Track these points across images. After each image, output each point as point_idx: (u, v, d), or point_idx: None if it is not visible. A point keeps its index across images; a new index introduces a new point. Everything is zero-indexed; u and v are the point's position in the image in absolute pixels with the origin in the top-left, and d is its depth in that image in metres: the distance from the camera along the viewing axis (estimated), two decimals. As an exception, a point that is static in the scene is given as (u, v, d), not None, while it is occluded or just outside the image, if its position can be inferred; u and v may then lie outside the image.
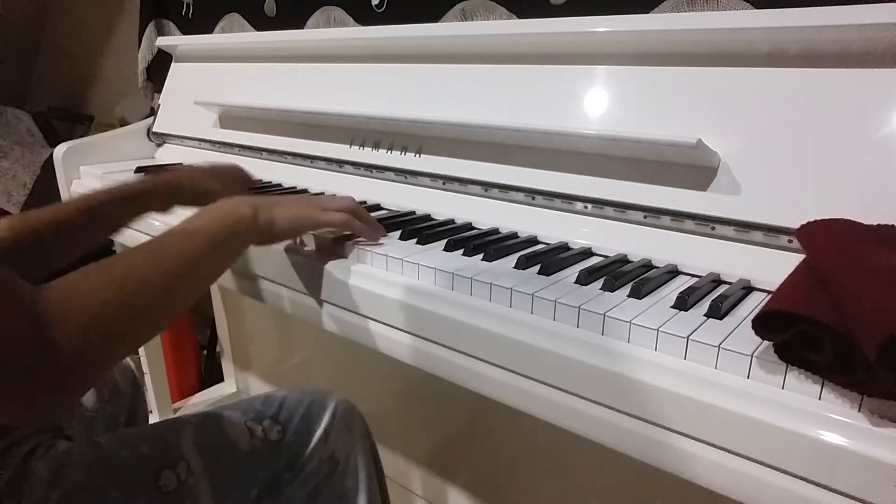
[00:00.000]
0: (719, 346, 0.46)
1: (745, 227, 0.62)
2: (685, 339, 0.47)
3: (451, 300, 0.59)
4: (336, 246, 0.72)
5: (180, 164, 1.27)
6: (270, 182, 1.07)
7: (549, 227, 0.75)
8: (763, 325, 0.43)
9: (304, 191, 1.00)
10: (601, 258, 0.68)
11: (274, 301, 0.79)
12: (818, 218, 0.55)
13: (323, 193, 0.98)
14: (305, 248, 0.74)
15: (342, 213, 0.68)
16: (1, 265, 0.40)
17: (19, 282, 0.40)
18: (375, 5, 1.12)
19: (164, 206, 0.80)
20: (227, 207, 0.62)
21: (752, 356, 0.44)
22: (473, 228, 0.80)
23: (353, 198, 0.74)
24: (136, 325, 0.48)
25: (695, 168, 0.65)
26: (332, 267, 0.70)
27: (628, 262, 0.66)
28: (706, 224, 0.64)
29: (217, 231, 0.58)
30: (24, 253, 0.65)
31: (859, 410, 0.40)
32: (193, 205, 0.81)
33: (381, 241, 0.71)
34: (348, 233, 0.71)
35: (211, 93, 1.27)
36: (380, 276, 0.66)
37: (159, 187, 0.78)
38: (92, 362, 0.44)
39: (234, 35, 1.38)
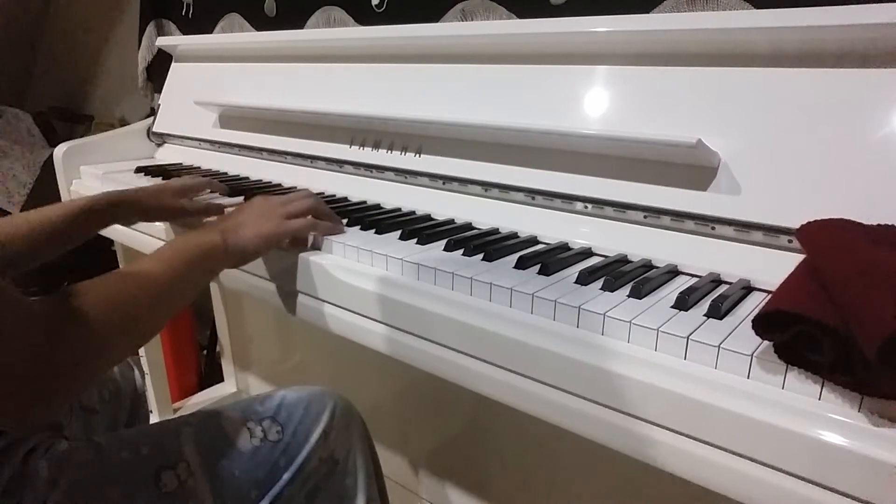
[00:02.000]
0: (719, 346, 0.46)
1: (745, 227, 0.61)
2: (685, 339, 0.47)
3: (452, 300, 0.59)
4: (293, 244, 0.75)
5: (180, 164, 1.27)
6: (270, 182, 1.07)
7: (549, 227, 0.75)
8: (763, 325, 0.43)
9: (293, 188, 1.01)
10: (601, 258, 0.68)
11: (268, 298, 0.79)
12: (818, 218, 0.55)
13: (295, 188, 1.00)
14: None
15: (305, 220, 0.73)
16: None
17: (20, 296, 0.44)
18: (375, 5, 1.12)
19: (127, 222, 0.89)
20: (198, 239, 0.66)
21: (752, 356, 0.44)
22: (473, 228, 0.80)
23: (308, 191, 0.78)
24: (126, 337, 0.53)
25: (695, 168, 0.65)
26: (332, 268, 0.70)
27: (628, 262, 0.66)
28: (706, 224, 0.64)
29: (191, 259, 0.63)
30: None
31: (859, 410, 0.40)
32: (155, 220, 0.93)
33: (345, 231, 0.76)
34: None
35: (211, 93, 1.27)
36: (380, 276, 0.66)
37: (122, 202, 0.84)
38: (86, 369, 0.48)
39: (234, 35, 1.38)
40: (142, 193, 0.86)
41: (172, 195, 0.88)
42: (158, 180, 1.13)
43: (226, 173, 1.16)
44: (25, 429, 0.62)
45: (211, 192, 0.99)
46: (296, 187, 1.03)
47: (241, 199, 0.95)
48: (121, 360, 0.84)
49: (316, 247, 0.74)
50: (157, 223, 0.96)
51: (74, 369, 0.46)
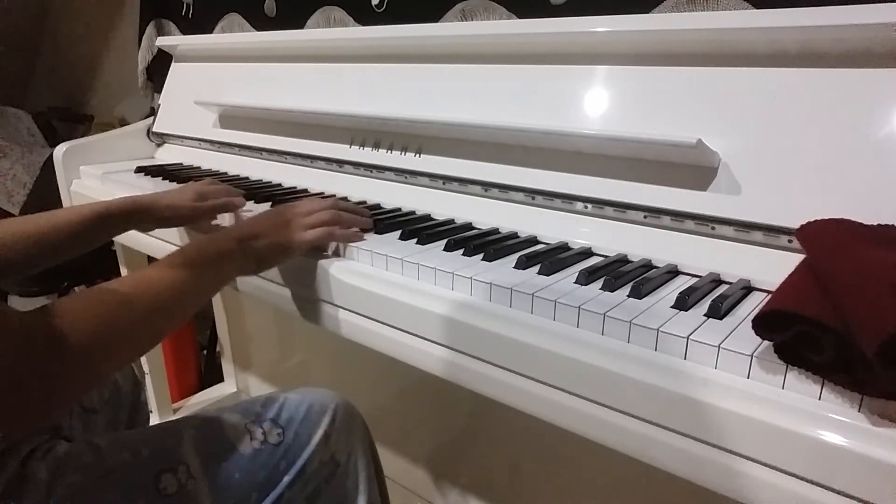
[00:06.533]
0: (719, 346, 0.46)
1: (745, 227, 0.61)
2: (685, 339, 0.47)
3: (451, 300, 0.59)
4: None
5: (180, 164, 1.27)
6: (270, 182, 1.07)
7: (549, 227, 0.75)
8: (763, 325, 0.43)
9: (305, 191, 1.00)
10: (601, 258, 0.68)
11: (262, 295, 0.79)
12: (818, 218, 0.55)
13: (306, 190, 1.00)
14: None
15: (322, 230, 0.70)
16: None
17: (11, 309, 0.43)
18: (375, 5, 1.12)
19: (143, 229, 0.89)
20: (213, 246, 0.65)
21: (752, 356, 0.44)
22: (473, 228, 0.80)
23: (333, 199, 0.75)
24: (124, 349, 0.53)
25: (695, 168, 0.65)
26: (336, 270, 0.70)
27: (628, 262, 0.66)
28: (706, 224, 0.64)
29: (203, 268, 0.62)
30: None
31: (859, 410, 0.40)
32: (171, 226, 0.90)
33: (365, 238, 0.73)
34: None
35: (211, 93, 1.27)
36: (380, 277, 0.66)
37: (137, 210, 0.82)
38: (67, 391, 0.47)
39: (234, 35, 1.38)
40: (157, 199, 0.84)
41: (190, 200, 0.86)
42: (158, 180, 1.13)
43: (226, 173, 1.16)
44: (10, 438, 0.61)
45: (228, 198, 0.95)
46: (295, 188, 1.03)
47: (257, 205, 0.94)
48: (116, 372, 0.83)
49: (337, 254, 0.73)
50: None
51: (50, 392, 0.45)
